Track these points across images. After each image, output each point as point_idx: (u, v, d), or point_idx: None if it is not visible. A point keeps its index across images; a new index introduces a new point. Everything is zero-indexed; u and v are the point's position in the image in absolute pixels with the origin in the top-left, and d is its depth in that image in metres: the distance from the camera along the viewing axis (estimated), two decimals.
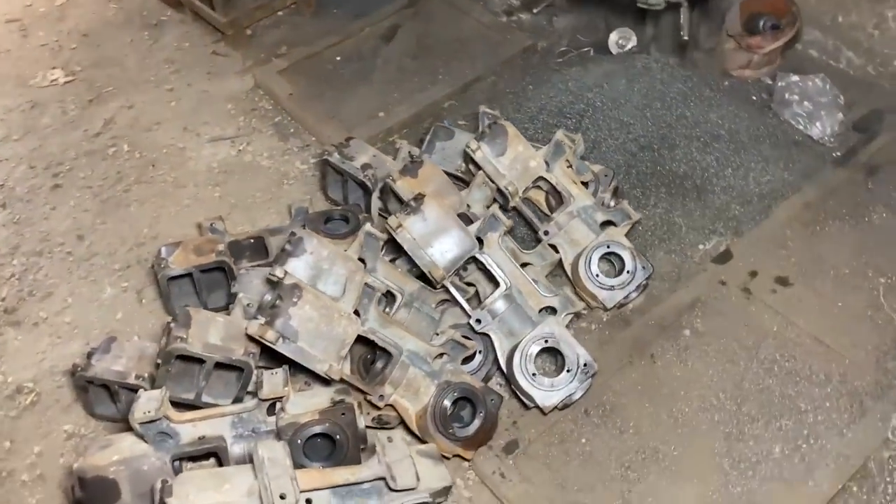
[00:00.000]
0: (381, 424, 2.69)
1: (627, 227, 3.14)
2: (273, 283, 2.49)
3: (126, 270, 3.19)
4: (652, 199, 3.45)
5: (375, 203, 3.23)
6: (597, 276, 3.03)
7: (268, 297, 2.46)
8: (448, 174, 3.23)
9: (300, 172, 3.62)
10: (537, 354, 2.74)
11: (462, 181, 3.32)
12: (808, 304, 3.07)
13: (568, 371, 2.69)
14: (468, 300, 2.87)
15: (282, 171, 3.63)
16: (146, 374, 2.39)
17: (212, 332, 2.41)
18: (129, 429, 2.17)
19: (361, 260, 2.78)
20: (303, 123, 3.83)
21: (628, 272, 3.03)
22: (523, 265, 2.99)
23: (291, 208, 3.09)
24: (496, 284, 2.85)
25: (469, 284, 2.97)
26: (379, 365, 2.65)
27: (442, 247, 2.71)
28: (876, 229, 3.31)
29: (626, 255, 3.03)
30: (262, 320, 2.35)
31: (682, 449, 2.71)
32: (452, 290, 2.79)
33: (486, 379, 2.87)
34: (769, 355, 2.94)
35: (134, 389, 2.32)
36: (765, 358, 2.93)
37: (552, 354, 2.83)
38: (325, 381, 2.53)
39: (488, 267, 2.82)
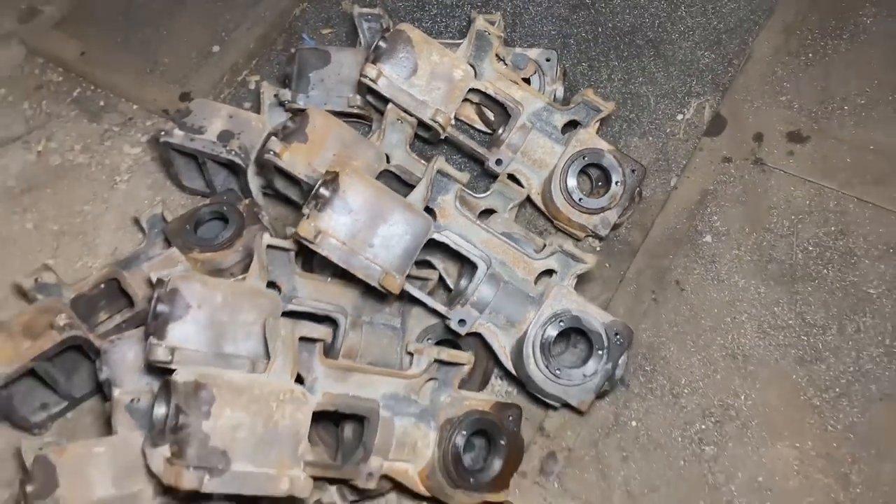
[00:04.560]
0: (372, 497, 1.95)
1: (597, 122, 2.34)
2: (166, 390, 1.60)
3: None
4: (603, 73, 2.65)
5: (256, 184, 2.30)
6: (579, 200, 2.27)
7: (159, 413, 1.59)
8: (339, 114, 2.31)
9: (134, 160, 2.68)
10: (555, 342, 1.99)
11: (360, 118, 2.42)
12: (834, 156, 2.43)
13: (599, 352, 1.97)
14: (435, 294, 2.08)
15: (107, 166, 2.69)
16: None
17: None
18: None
19: (272, 284, 1.90)
20: (113, 89, 2.82)
21: (617, 182, 2.28)
22: (484, 213, 2.19)
23: (141, 220, 2.28)
24: (466, 263, 2.05)
25: (424, 264, 2.16)
26: (348, 433, 1.84)
27: (386, 241, 1.85)
28: (873, 35, 2.66)
29: (610, 162, 2.27)
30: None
31: (755, 394, 2.10)
32: (414, 291, 1.96)
33: (485, 382, 2.13)
34: (812, 237, 2.31)
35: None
36: (808, 241, 2.31)
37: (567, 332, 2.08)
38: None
39: (454, 247, 1.99)
